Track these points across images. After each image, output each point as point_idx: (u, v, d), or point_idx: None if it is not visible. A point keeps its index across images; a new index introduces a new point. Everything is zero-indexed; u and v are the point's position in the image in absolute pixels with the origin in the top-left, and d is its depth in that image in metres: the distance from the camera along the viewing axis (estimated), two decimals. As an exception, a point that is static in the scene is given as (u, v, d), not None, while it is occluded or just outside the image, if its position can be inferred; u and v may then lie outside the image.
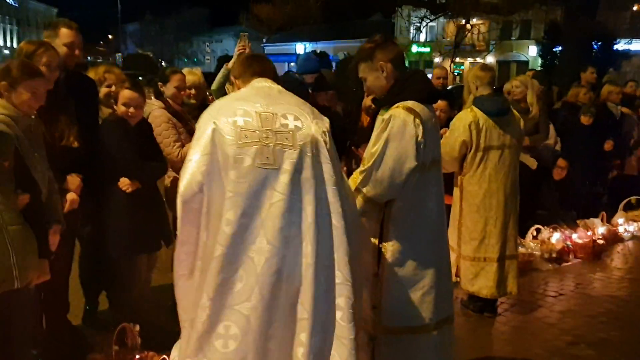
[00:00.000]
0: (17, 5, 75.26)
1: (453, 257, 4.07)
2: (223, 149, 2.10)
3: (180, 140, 4.01)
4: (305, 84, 4.80)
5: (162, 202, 3.99)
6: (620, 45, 23.24)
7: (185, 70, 4.60)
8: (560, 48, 21.33)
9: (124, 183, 3.52)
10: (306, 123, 2.23)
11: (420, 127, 2.61)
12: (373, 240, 2.77)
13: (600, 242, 6.17)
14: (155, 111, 4.03)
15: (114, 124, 3.62)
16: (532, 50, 35.21)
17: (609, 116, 7.00)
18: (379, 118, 2.74)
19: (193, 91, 4.49)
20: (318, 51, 37.54)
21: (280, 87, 2.43)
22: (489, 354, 3.93)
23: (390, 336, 2.78)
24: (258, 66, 2.49)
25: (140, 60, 39.28)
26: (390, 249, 2.72)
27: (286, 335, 2.15)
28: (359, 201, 2.70)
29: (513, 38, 37.70)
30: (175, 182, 4.04)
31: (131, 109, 3.57)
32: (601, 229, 6.36)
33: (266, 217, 2.08)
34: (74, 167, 3.32)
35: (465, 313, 4.49)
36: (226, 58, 10.75)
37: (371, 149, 2.71)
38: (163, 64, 46.98)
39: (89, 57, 56.03)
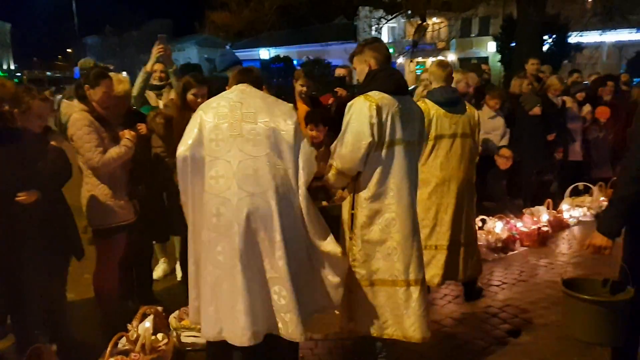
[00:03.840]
0: (-32, 21, 73.42)
1: None
2: (204, 127, 2.94)
3: (102, 146, 3.89)
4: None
5: (67, 212, 3.86)
6: (574, 38, 23.66)
7: (113, 77, 4.51)
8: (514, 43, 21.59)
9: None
10: (269, 117, 2.98)
11: (374, 110, 3.10)
12: (347, 207, 3.34)
13: (546, 229, 6.25)
14: (76, 114, 3.90)
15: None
16: (491, 46, 35.62)
17: (551, 106, 7.12)
18: (348, 105, 3.25)
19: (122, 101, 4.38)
20: (282, 56, 37.82)
21: (256, 90, 3.17)
22: (428, 348, 3.93)
23: (364, 288, 3.30)
24: (243, 77, 3.26)
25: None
26: (359, 214, 3.27)
27: (261, 255, 2.92)
28: (332, 174, 3.31)
29: (472, 35, 38.18)
30: (93, 198, 3.98)
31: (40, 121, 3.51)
32: (546, 216, 6.44)
33: (237, 170, 2.87)
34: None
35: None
36: (188, 66, 10.62)
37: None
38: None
39: (48, 73, 55.12)
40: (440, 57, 37.81)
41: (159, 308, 3.95)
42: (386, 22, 22.06)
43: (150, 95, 5.30)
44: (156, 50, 4.93)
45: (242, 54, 45.79)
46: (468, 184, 4.45)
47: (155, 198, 4.69)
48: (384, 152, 3.18)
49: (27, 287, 3.53)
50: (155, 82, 5.39)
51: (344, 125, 3.23)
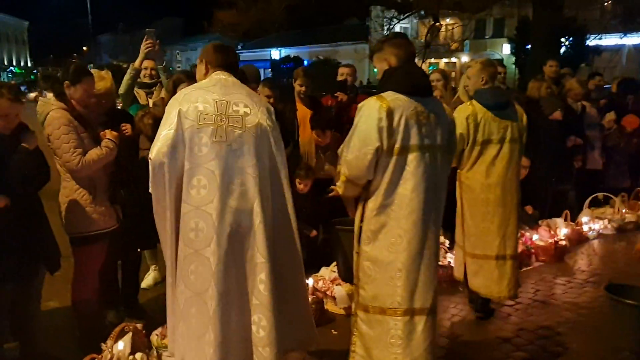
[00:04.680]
0: (-14, 18, 74.12)
1: (460, 254, 4.29)
2: (185, 128, 2.62)
3: (82, 147, 3.55)
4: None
5: (43, 219, 3.52)
6: (592, 41, 23.18)
7: (94, 74, 4.17)
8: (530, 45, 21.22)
9: None
10: (253, 111, 2.76)
11: (384, 112, 2.78)
12: (357, 219, 3.02)
13: (563, 243, 5.83)
14: (54, 112, 3.56)
15: None
16: (506, 48, 35.25)
17: (570, 111, 6.70)
18: (358, 106, 2.94)
19: (103, 100, 4.03)
20: (292, 56, 37.61)
21: (235, 79, 2.89)
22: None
23: (365, 313, 2.99)
24: (224, 59, 2.94)
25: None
26: (365, 228, 2.94)
27: (243, 278, 2.67)
28: (341, 182, 3.01)
29: (487, 36, 37.73)
30: (71, 203, 3.64)
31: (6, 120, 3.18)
32: (564, 229, 6.02)
33: (221, 182, 2.61)
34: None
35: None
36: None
37: None
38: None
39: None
40: (453, 59, 37.48)
41: (139, 325, 3.59)
42: (398, 22, 21.75)
43: (140, 93, 4.96)
44: (144, 46, 4.59)
45: (253, 54, 45.88)
46: (515, 192, 4.18)
47: (141, 203, 4.32)
48: (394, 159, 2.85)
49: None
50: (146, 80, 5.05)
51: (353, 127, 2.94)
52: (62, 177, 3.69)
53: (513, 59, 28.44)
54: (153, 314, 4.48)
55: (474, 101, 4.14)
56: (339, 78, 5.99)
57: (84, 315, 3.84)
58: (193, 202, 2.62)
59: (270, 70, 38.28)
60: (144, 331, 3.62)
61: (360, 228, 2.99)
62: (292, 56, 38.01)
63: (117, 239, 3.92)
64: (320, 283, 4.46)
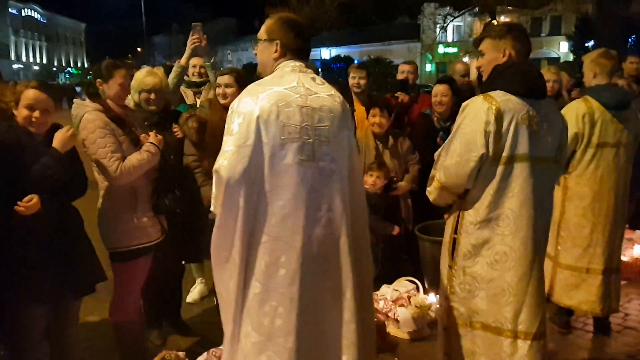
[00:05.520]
0: (45, 21, 76.71)
1: (548, 265, 3.78)
2: (264, 141, 2.16)
3: (120, 151, 3.21)
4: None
5: (80, 234, 3.15)
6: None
7: (143, 70, 3.86)
8: (592, 43, 20.27)
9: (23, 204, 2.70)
10: (337, 117, 2.32)
11: (493, 115, 2.49)
12: (450, 230, 2.75)
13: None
14: (88, 114, 3.22)
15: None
16: (563, 47, 34.08)
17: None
18: (462, 105, 2.67)
19: (152, 96, 3.73)
20: (342, 55, 37.26)
21: (313, 73, 2.40)
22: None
23: (462, 328, 2.74)
24: (303, 42, 2.41)
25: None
26: (463, 240, 2.67)
27: (331, 312, 2.31)
28: (434, 188, 2.74)
29: (543, 34, 36.59)
30: (109, 214, 3.33)
31: (36, 113, 2.83)
32: (651, 244, 5.40)
33: (306, 208, 2.21)
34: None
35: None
36: (250, 66, 10.07)
37: None
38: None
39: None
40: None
41: (180, 354, 3.25)
42: (453, 19, 21.11)
43: (188, 93, 4.64)
44: (191, 42, 4.24)
45: (303, 54, 45.66)
46: (625, 202, 3.87)
47: (187, 211, 3.97)
48: (500, 168, 2.55)
49: (23, 320, 2.88)
50: (194, 79, 4.72)
51: (454, 129, 2.65)
52: (100, 186, 3.36)
53: (571, 57, 27.37)
54: (198, 331, 4.20)
55: (589, 97, 3.75)
56: (399, 76, 5.55)
57: (124, 336, 3.53)
58: (273, 231, 2.21)
59: (320, 70, 38.05)
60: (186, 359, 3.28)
61: (454, 240, 2.72)
62: (342, 56, 37.67)
63: (162, 252, 3.59)
64: (382, 303, 4.01)
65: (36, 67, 73.19)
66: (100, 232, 3.38)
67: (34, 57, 75.19)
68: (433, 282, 3.92)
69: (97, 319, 4.22)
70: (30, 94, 2.84)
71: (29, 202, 2.70)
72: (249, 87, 2.30)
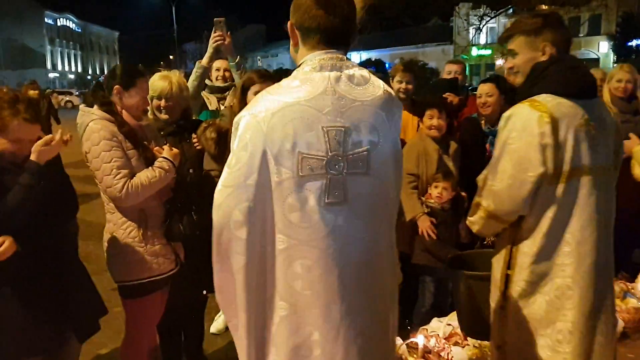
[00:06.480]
0: (79, 30, 78.35)
1: None
2: (275, 179, 1.63)
3: (128, 167, 2.74)
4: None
5: (75, 267, 2.70)
6: None
7: (156, 75, 3.39)
8: (636, 42, 19.43)
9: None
10: (383, 132, 1.73)
11: (547, 125, 2.12)
12: (501, 265, 2.37)
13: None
14: (94, 123, 2.74)
15: None
16: (603, 47, 33.01)
17: None
18: (503, 116, 2.28)
19: (163, 102, 3.28)
20: (373, 59, 36.79)
21: (350, 65, 1.77)
22: None
23: None
24: (329, 21, 1.71)
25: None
26: (517, 278, 2.31)
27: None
28: (479, 217, 2.36)
29: (581, 35, 35.62)
30: (116, 242, 2.85)
31: (21, 145, 2.41)
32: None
33: (341, 268, 1.69)
34: None
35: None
36: (280, 71, 9.62)
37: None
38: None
39: (150, 78, 58.74)
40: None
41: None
42: (490, 20, 20.47)
43: (211, 98, 4.15)
44: (213, 39, 3.75)
45: (333, 58, 45.52)
46: None
47: (207, 235, 3.47)
48: (560, 187, 2.18)
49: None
50: (219, 84, 4.22)
51: (498, 146, 2.25)
52: (106, 208, 2.88)
53: (611, 57, 26.43)
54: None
55: None
56: (446, 76, 5.00)
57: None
58: (300, 301, 1.70)
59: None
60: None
61: (507, 276, 2.33)
62: (373, 59, 37.21)
63: (180, 282, 3.09)
64: (433, 342, 3.44)
65: (71, 76, 74.77)
66: (106, 262, 2.93)
67: (69, 65, 76.88)
68: (472, 328, 3.24)
69: (108, 350, 3.76)
70: (15, 127, 2.37)
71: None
72: (259, 95, 1.76)
